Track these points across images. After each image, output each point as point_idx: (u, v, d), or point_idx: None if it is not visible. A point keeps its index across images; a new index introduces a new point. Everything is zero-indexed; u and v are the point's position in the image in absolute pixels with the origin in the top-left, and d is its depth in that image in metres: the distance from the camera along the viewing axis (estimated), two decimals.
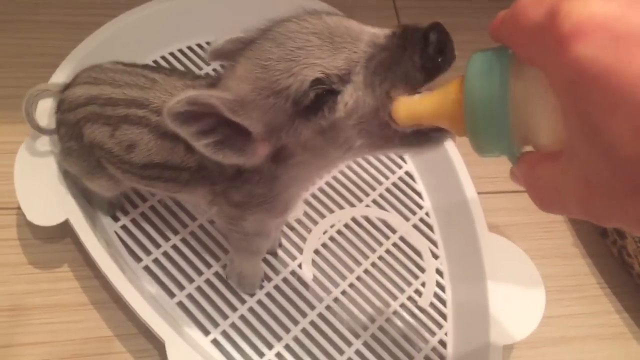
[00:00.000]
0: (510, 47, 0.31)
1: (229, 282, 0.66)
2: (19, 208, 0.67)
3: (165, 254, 0.67)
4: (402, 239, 0.73)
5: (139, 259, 0.66)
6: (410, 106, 0.37)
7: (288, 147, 0.44)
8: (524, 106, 0.31)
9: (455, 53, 0.37)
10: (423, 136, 0.40)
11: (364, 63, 0.39)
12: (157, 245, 0.68)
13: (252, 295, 0.66)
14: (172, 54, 0.83)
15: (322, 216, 0.73)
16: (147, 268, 0.66)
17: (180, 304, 0.64)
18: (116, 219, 0.69)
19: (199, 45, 0.84)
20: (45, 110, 0.64)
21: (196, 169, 0.52)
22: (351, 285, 0.69)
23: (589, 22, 0.24)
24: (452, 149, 0.73)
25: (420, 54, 0.37)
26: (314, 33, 0.39)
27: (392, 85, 0.38)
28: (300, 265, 0.69)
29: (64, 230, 0.63)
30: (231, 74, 0.43)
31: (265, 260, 0.69)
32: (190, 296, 0.65)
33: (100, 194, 0.65)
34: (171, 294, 0.65)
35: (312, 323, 0.66)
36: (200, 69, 0.82)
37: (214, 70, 0.83)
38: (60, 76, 0.68)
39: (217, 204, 0.55)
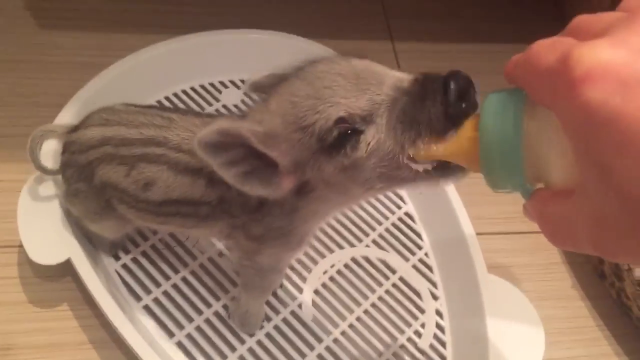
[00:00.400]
0: (523, 89, 0.32)
1: (228, 322, 0.66)
2: (20, 246, 0.68)
3: (166, 293, 0.67)
4: (401, 279, 0.73)
5: (139, 298, 0.66)
6: (428, 144, 0.39)
7: (311, 182, 0.46)
8: (536, 145, 0.32)
9: (477, 98, 0.38)
10: (442, 171, 0.40)
11: (387, 106, 0.40)
12: (158, 284, 0.68)
13: (251, 335, 0.66)
14: (175, 94, 0.84)
15: (322, 256, 0.73)
16: (147, 307, 0.66)
17: (180, 344, 0.64)
18: (117, 258, 0.69)
19: (202, 87, 0.86)
20: (48, 152, 0.65)
21: (216, 203, 0.52)
22: (351, 326, 0.69)
23: (599, 68, 0.25)
24: (452, 190, 0.74)
25: (441, 102, 0.37)
26: (340, 74, 0.41)
27: (418, 134, 0.39)
28: (300, 306, 0.69)
29: (65, 268, 0.63)
30: (263, 108, 0.45)
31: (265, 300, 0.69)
32: (189, 336, 0.65)
33: (102, 236, 0.66)
34: (170, 334, 0.65)
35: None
36: (203, 109, 0.84)
37: (217, 110, 0.84)
38: (66, 116, 0.70)
39: (234, 237, 0.56)
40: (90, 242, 0.67)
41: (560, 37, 0.30)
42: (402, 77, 0.40)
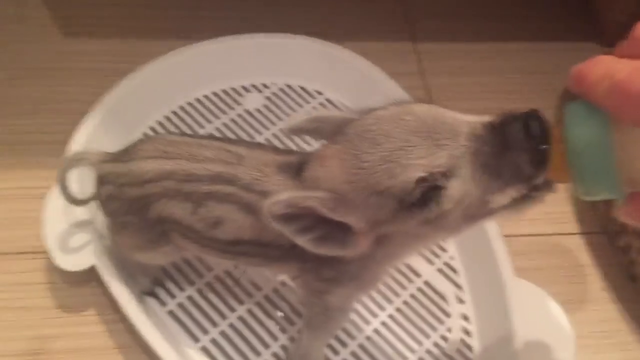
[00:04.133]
0: (617, 115, 0.32)
1: (254, 329, 0.66)
2: (47, 252, 0.69)
3: (190, 298, 0.68)
4: (426, 283, 0.73)
5: (163, 303, 0.67)
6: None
7: (389, 234, 0.44)
8: (629, 150, 0.32)
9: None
10: (522, 200, 0.40)
11: (469, 158, 0.39)
12: (182, 289, 0.68)
13: None
14: (197, 99, 0.85)
15: None
16: (171, 312, 0.66)
17: (204, 349, 0.64)
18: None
19: (224, 91, 0.87)
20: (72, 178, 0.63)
21: (289, 247, 0.49)
22: (375, 331, 0.68)
23: None
24: None
25: (525, 150, 0.37)
26: (412, 132, 0.39)
27: (506, 183, 0.38)
28: None
29: (91, 274, 0.63)
30: (319, 167, 0.44)
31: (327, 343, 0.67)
32: (214, 340, 0.65)
33: (148, 268, 0.65)
34: (195, 339, 0.65)
35: None
36: (225, 113, 0.84)
37: (239, 115, 0.84)
38: (90, 122, 0.71)
39: (303, 278, 0.54)
40: (131, 277, 0.66)
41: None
42: (474, 123, 0.39)
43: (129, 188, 0.53)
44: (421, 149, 0.39)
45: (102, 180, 0.56)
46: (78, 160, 0.58)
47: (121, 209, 0.55)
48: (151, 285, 0.67)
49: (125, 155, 0.55)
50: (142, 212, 0.53)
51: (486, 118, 0.39)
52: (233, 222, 0.50)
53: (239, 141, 0.54)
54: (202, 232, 0.52)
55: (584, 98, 0.34)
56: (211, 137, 0.56)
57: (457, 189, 0.39)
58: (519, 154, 0.37)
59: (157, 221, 0.53)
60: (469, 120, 0.40)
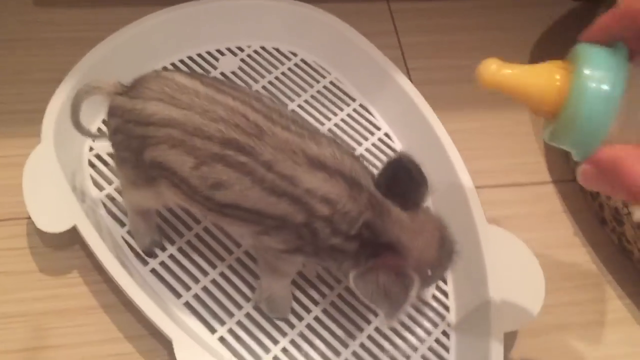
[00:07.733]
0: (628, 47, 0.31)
1: (235, 284, 0.68)
2: (28, 218, 0.70)
3: (172, 256, 0.69)
4: None
5: (145, 262, 0.68)
6: (502, 68, 0.36)
7: None
8: (634, 111, 0.31)
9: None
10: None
11: None
12: (163, 249, 0.69)
13: (283, 320, 0.66)
14: (173, 64, 0.85)
15: None
16: (154, 271, 0.68)
17: (187, 304, 0.66)
18: (122, 225, 0.70)
19: (199, 55, 0.87)
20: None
21: (301, 225, 0.51)
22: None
23: None
24: (449, 144, 0.74)
25: None
26: None
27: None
28: (304, 264, 0.71)
29: (73, 237, 0.65)
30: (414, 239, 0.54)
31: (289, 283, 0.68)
32: (196, 296, 0.67)
33: (148, 227, 0.67)
34: (178, 295, 0.67)
35: (317, 318, 0.67)
36: None
37: (222, 74, 0.85)
38: (64, 91, 0.71)
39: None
40: (132, 235, 0.69)
41: None
42: None
43: (134, 125, 0.53)
44: None
45: (112, 112, 0.56)
46: (92, 89, 0.58)
47: (123, 144, 0.55)
48: (150, 245, 0.68)
49: (133, 90, 0.55)
50: (137, 151, 0.54)
51: None
52: (238, 190, 0.50)
53: (259, 107, 0.52)
54: (198, 188, 0.52)
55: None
56: (224, 85, 0.53)
57: None
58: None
59: (149, 165, 0.54)
60: None
